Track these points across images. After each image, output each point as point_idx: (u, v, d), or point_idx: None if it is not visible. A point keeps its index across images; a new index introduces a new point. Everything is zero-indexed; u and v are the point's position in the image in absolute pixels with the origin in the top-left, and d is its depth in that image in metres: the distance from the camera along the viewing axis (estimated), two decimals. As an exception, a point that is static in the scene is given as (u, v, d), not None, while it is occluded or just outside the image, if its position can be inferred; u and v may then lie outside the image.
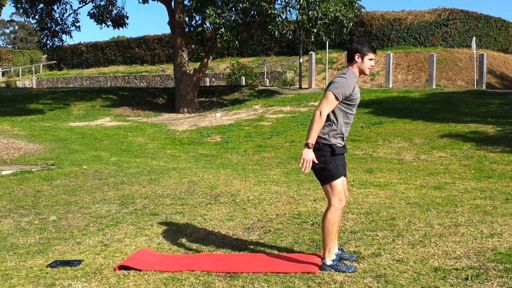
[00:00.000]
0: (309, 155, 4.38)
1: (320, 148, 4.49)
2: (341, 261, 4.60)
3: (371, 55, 4.60)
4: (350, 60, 4.63)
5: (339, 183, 4.51)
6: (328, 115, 4.48)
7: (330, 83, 4.52)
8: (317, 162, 4.45)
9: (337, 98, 4.42)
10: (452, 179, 8.46)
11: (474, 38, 23.41)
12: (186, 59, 21.58)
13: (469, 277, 4.22)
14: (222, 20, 17.75)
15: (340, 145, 4.56)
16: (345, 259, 4.70)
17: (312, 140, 4.38)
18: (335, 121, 4.51)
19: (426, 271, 4.42)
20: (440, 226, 5.74)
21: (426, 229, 5.66)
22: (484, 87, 21.93)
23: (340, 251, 4.76)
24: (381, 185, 8.08)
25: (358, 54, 4.58)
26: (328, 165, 4.48)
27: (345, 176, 4.66)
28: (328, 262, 4.52)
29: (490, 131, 12.41)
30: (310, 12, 18.09)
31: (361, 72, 4.63)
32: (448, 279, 4.21)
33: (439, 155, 10.71)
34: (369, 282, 4.22)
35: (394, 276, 4.32)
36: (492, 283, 4.09)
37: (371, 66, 4.65)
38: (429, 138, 12.15)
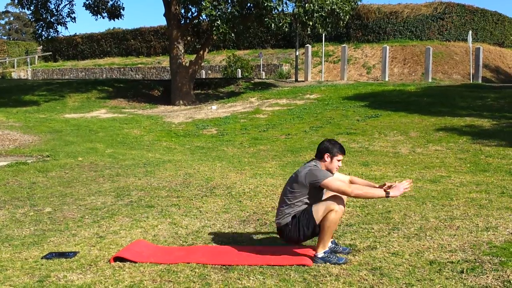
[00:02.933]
0: (398, 190, 4.52)
1: (283, 228, 4.64)
2: (333, 253, 4.61)
3: (340, 157, 4.74)
4: (319, 158, 4.73)
5: (323, 205, 4.52)
6: (292, 200, 4.62)
7: (310, 175, 4.57)
8: (304, 234, 4.59)
9: (330, 176, 4.56)
10: (448, 173, 8.47)
11: (470, 32, 23.41)
12: (182, 51, 21.52)
13: (465, 270, 4.23)
14: (218, 12, 17.70)
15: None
16: (338, 252, 4.71)
17: (381, 191, 4.52)
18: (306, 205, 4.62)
19: (421, 264, 4.43)
20: (435, 219, 5.75)
21: (422, 222, 5.67)
22: (480, 81, 21.94)
23: (333, 245, 4.77)
24: (376, 178, 8.08)
25: (328, 154, 4.69)
26: (301, 223, 4.57)
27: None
28: (320, 254, 4.54)
29: (486, 125, 12.42)
30: (306, 5, 18.06)
31: (328, 170, 4.71)
32: (443, 272, 4.22)
33: (435, 149, 10.72)
34: (365, 275, 4.23)
35: (389, 269, 4.33)
36: (487, 276, 4.10)
37: (339, 166, 4.76)
38: (425, 132, 12.16)
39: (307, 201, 4.61)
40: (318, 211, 4.49)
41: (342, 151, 4.75)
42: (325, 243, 4.55)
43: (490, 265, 4.32)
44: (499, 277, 4.07)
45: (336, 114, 14.94)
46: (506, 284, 3.93)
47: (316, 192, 4.62)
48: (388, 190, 4.46)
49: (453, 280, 4.06)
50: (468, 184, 7.51)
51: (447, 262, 4.45)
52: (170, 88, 21.84)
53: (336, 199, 4.50)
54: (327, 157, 4.67)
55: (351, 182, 4.86)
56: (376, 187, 4.77)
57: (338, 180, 4.60)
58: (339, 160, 4.71)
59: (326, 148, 4.70)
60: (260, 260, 4.56)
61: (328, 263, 4.46)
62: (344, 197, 4.63)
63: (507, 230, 5.26)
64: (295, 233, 4.59)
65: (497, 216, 5.76)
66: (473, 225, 5.48)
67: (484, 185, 7.41)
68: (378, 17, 30.03)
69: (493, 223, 5.51)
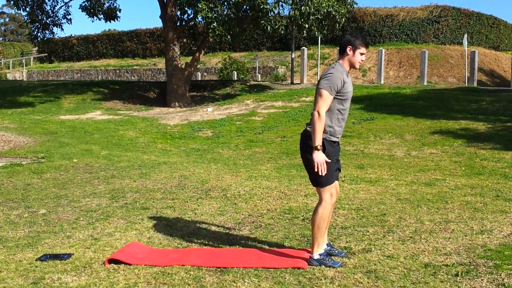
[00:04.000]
0: (320, 157, 4.32)
1: (309, 143, 4.45)
2: (329, 256, 4.61)
3: (363, 49, 4.54)
4: (342, 52, 4.59)
5: (330, 187, 4.51)
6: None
7: (320, 79, 4.48)
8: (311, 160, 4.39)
9: (330, 94, 4.38)
10: (443, 176, 8.48)
11: (465, 35, 23.46)
12: (178, 53, 21.52)
13: (459, 273, 4.24)
14: (214, 15, 17.70)
15: (335, 141, 4.53)
16: (333, 255, 4.70)
17: (319, 141, 4.31)
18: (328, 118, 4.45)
19: (416, 267, 4.43)
20: (430, 222, 5.76)
21: (417, 225, 5.67)
22: (475, 84, 22.00)
23: (329, 247, 4.76)
24: (372, 181, 8.09)
25: (350, 46, 4.52)
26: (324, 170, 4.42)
27: (337, 178, 4.65)
28: (315, 256, 4.52)
29: (481, 128, 12.45)
30: (302, 7, 18.09)
31: (351, 65, 4.57)
32: (438, 275, 4.22)
33: (430, 152, 10.74)
34: (360, 277, 4.23)
35: (384, 272, 4.33)
36: (482, 279, 4.10)
37: (362, 60, 4.59)
38: (420, 135, 12.18)
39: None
40: (329, 188, 4.46)
41: (365, 42, 4.57)
42: (319, 242, 4.53)
43: (484, 268, 4.32)
44: (493, 280, 4.08)
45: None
46: (501, 287, 3.94)
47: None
48: (320, 149, 4.28)
49: (448, 283, 4.06)
50: (463, 187, 7.52)
51: (442, 265, 4.45)
52: (166, 90, 21.82)
53: (332, 195, 4.48)
54: (349, 50, 4.51)
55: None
56: None
57: (330, 100, 4.37)
58: (362, 54, 4.54)
59: (348, 41, 4.53)
60: (255, 263, 4.55)
61: (323, 266, 4.46)
62: (337, 189, 4.60)
63: (502, 233, 5.27)
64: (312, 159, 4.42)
65: (492, 219, 5.77)
66: (468, 228, 5.49)
67: (479, 188, 7.42)
68: (374, 20, 30.09)
69: (488, 226, 5.53)
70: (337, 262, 4.52)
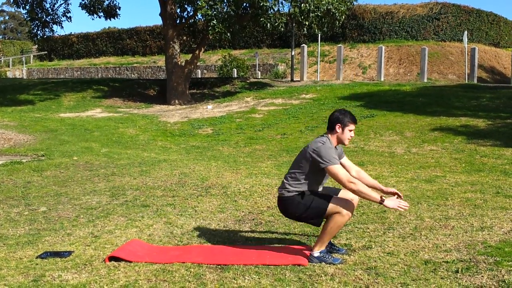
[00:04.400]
0: (393, 203, 4.37)
1: (289, 199, 4.57)
2: (329, 253, 4.60)
3: (352, 126, 4.62)
4: (330, 129, 4.63)
5: (334, 203, 4.46)
6: (297, 175, 4.55)
7: (316, 154, 4.46)
8: (300, 212, 4.53)
9: (335, 163, 4.43)
10: (443, 173, 8.48)
11: (465, 32, 23.43)
12: (178, 50, 21.50)
13: (459, 270, 4.24)
14: (214, 12, 17.69)
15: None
16: (334, 252, 4.70)
17: (376, 195, 4.37)
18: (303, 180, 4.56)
19: (416, 263, 4.43)
20: (430, 219, 5.76)
21: (417, 222, 5.67)
22: (475, 81, 21.99)
23: (329, 245, 4.74)
24: (372, 178, 8.08)
25: (339, 124, 4.58)
26: (309, 206, 4.50)
27: (336, 194, 4.66)
28: (316, 253, 4.52)
29: (481, 125, 12.44)
30: (302, 5, 18.09)
31: (340, 142, 4.65)
32: (438, 272, 4.23)
33: (430, 149, 10.73)
34: (360, 274, 4.23)
35: (384, 269, 4.33)
36: (482, 276, 4.10)
37: (351, 136, 4.65)
38: (420, 132, 12.18)
39: (308, 178, 4.54)
40: (334, 206, 4.44)
41: (354, 120, 4.62)
42: (323, 243, 4.53)
43: (485, 265, 4.32)
44: (494, 277, 4.08)
45: (332, 114, 14.93)
46: (501, 284, 3.94)
47: (316, 171, 4.51)
48: (384, 198, 4.37)
49: (448, 280, 4.06)
50: (463, 184, 7.52)
51: (442, 261, 4.45)
52: (166, 87, 21.82)
53: (347, 203, 4.46)
54: (338, 127, 4.57)
55: (358, 175, 4.82)
56: (382, 188, 4.75)
57: (342, 169, 4.48)
58: (350, 130, 4.60)
59: (337, 119, 4.59)
60: (256, 260, 4.55)
61: (323, 263, 4.46)
62: (355, 202, 4.61)
63: (502, 230, 5.27)
64: (300, 209, 4.52)
65: (492, 216, 5.77)
66: (468, 225, 5.49)
67: (479, 185, 7.42)
68: (374, 17, 30.03)
69: (488, 223, 5.53)
70: (337, 259, 4.52)
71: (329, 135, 4.62)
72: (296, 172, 4.59)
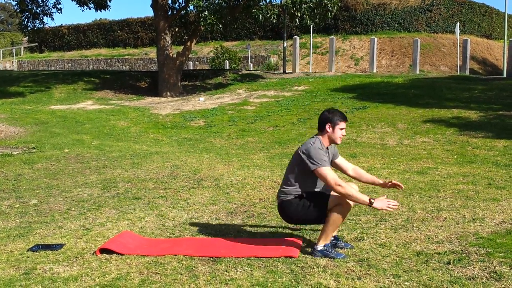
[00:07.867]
0: (382, 203, 4.33)
1: (288, 203, 4.56)
2: (333, 248, 4.55)
3: (342, 125, 4.58)
4: (321, 129, 4.61)
5: (334, 196, 4.44)
6: (292, 179, 4.55)
7: (306, 156, 4.45)
8: (302, 214, 4.52)
9: (325, 165, 4.40)
10: (435, 164, 8.50)
11: (458, 24, 23.48)
12: (169, 42, 21.40)
13: (451, 261, 4.24)
14: (206, 3, 17.63)
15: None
16: (338, 247, 4.65)
17: (364, 197, 4.34)
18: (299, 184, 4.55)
19: (408, 255, 4.44)
20: (422, 210, 5.77)
21: (409, 213, 5.68)
22: (467, 73, 22.03)
23: (334, 240, 4.70)
24: (364, 170, 8.08)
25: (329, 123, 4.55)
26: (309, 205, 4.49)
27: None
28: (319, 247, 4.47)
29: (473, 117, 12.48)
30: (294, -4, 18.02)
31: (332, 142, 4.62)
32: (430, 263, 4.23)
33: (422, 140, 10.75)
34: (352, 266, 4.23)
35: (376, 260, 4.33)
36: (474, 267, 4.11)
37: (343, 135, 4.62)
38: (412, 123, 12.19)
39: (303, 180, 4.54)
40: (333, 200, 4.42)
41: (344, 118, 4.59)
42: (327, 236, 4.48)
43: (476, 256, 4.33)
44: (485, 268, 4.09)
45: (324, 106, 14.91)
46: (493, 275, 3.95)
47: (307, 174, 4.49)
48: (373, 200, 4.33)
49: (440, 271, 4.07)
50: (455, 176, 7.54)
51: (434, 253, 4.46)
52: (157, 79, 21.72)
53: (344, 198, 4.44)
54: (328, 127, 4.54)
55: (355, 172, 4.84)
56: (380, 182, 4.80)
57: (330, 170, 4.44)
58: (341, 129, 4.57)
59: (326, 118, 4.56)
60: (248, 252, 4.54)
61: (326, 257, 4.41)
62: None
63: (494, 221, 5.28)
64: (301, 211, 4.51)
65: (483, 207, 5.79)
66: (460, 216, 5.50)
67: (471, 177, 7.44)
68: (366, 8, 30.02)
69: (480, 214, 5.54)
70: (340, 254, 4.46)
71: (320, 136, 4.60)
72: (291, 175, 4.59)
